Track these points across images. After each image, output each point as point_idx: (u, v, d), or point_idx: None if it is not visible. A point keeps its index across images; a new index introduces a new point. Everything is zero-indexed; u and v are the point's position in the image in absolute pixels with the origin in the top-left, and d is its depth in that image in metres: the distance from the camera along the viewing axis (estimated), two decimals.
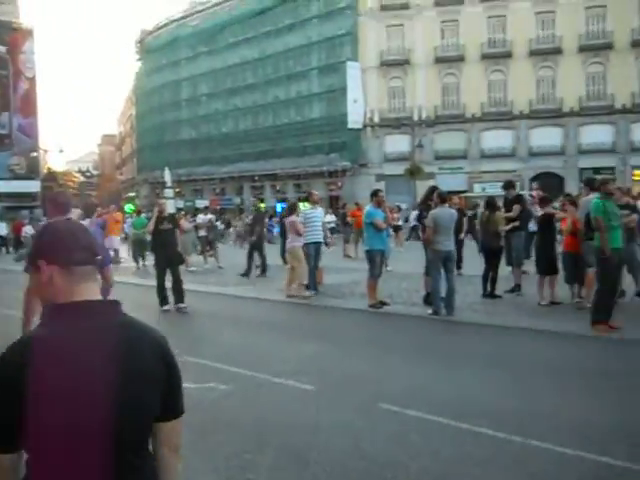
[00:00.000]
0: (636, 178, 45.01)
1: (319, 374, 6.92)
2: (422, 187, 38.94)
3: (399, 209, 30.53)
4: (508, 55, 48.52)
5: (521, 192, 14.84)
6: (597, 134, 47.02)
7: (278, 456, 4.66)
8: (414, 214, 32.97)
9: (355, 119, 49.73)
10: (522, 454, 4.61)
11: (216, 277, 17.45)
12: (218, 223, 29.99)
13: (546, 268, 11.08)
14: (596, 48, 46.85)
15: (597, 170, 45.27)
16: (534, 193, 15.89)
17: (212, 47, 60.67)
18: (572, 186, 43.74)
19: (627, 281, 11.11)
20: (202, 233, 21.20)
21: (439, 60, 49.92)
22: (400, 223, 28.48)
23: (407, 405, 5.73)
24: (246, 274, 17.06)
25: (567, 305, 10.91)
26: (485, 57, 48.97)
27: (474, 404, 5.82)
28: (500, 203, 12.63)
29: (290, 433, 5.16)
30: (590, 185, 10.13)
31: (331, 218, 30.88)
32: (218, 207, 54.96)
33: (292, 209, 13.83)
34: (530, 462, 4.45)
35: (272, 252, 21.12)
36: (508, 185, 12.82)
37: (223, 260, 20.29)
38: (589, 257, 9.97)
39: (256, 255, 17.41)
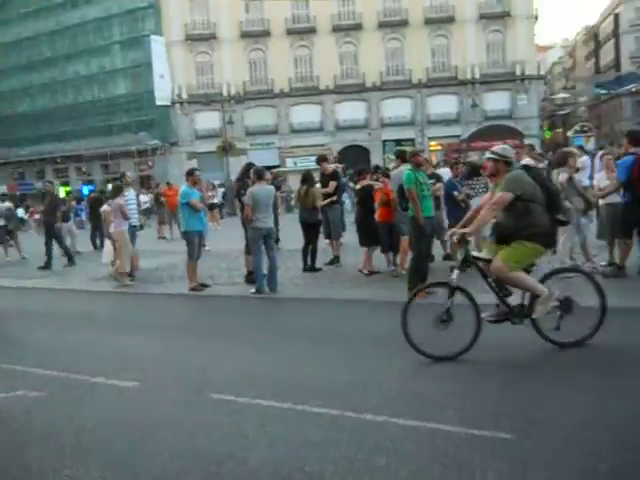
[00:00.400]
0: (432, 148, 48.11)
1: (143, 369, 6.48)
2: (235, 164, 38.90)
3: (214, 186, 30.06)
4: (312, 31, 49.43)
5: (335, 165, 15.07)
6: (397, 108, 49.57)
7: (103, 468, 4.23)
8: (221, 192, 32.82)
9: (162, 95, 48.21)
10: (358, 429, 4.59)
11: (20, 269, 16.04)
12: (18, 210, 27.65)
13: (368, 239, 11.36)
14: (393, 25, 49.12)
15: (398, 142, 47.76)
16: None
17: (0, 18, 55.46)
18: (377, 158, 45.89)
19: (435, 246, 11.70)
20: (0, 223, 19.39)
21: (245, 35, 49.68)
22: (216, 201, 28.09)
23: (240, 392, 5.51)
24: (46, 266, 15.70)
25: (384, 274, 11.28)
26: (290, 32, 49.48)
27: (306, 383, 5.75)
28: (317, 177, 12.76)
29: (115, 440, 4.72)
30: (401, 157, 10.47)
31: (146, 198, 29.78)
32: (17, 193, 50.88)
33: (117, 191, 12.90)
34: (367, 437, 4.43)
35: (83, 238, 19.87)
36: (322, 159, 12.96)
37: (26, 250, 18.73)
38: (402, 226, 10.35)
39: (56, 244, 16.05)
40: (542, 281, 6.20)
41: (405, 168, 9.52)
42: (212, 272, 12.55)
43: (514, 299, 6.26)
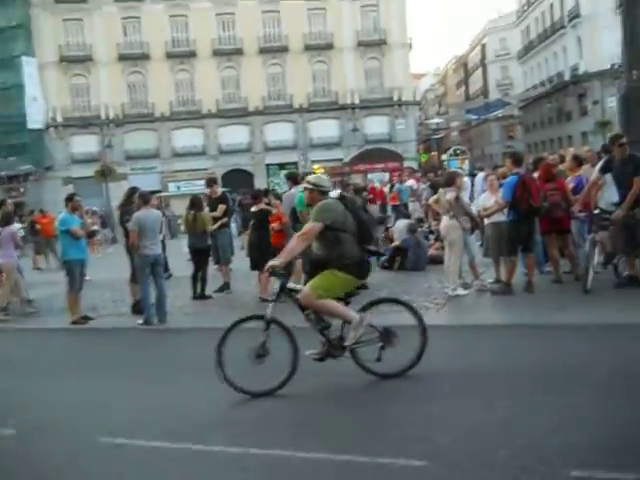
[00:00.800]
0: (316, 171, 48.65)
1: (19, 416, 5.84)
2: (115, 189, 37.55)
3: (93, 213, 28.78)
4: (193, 54, 48.90)
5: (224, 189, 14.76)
6: (280, 132, 49.87)
7: None
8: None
9: (35, 119, 45.95)
10: (266, 468, 4.31)
11: None
12: None
13: (263, 264, 11.02)
14: (274, 50, 49.54)
15: (282, 166, 48.23)
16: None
17: None
18: (261, 181, 45.89)
19: None
20: None
21: (123, 57, 48.39)
22: (96, 228, 26.86)
23: (131, 434, 5.09)
24: None
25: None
26: (170, 56, 48.73)
27: (205, 418, 5.41)
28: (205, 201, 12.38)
29: None
30: (292, 179, 10.34)
31: (18, 226, 27.99)
32: None
33: (7, 218, 11.84)
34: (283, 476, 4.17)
35: None
36: (212, 182, 12.61)
37: None
38: None
39: None
40: (362, 311, 6.05)
41: (297, 190, 9.39)
42: (95, 303, 11.82)
43: (334, 332, 6.06)
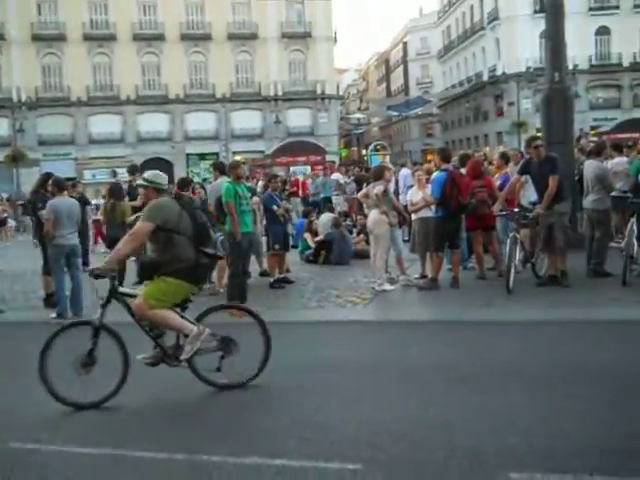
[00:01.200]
0: (239, 162, 47.96)
1: None
2: (26, 175, 35.94)
3: (3, 200, 27.44)
4: (112, 38, 47.34)
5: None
6: (201, 121, 49.02)
7: None
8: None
9: None
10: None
11: None
12: None
13: None
14: (196, 38, 48.55)
15: (203, 156, 47.53)
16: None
17: None
18: (181, 171, 44.97)
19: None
20: None
21: (37, 38, 46.28)
22: (6, 215, 25.59)
23: (46, 439, 4.72)
24: None
25: (201, 292, 10.67)
26: (88, 38, 47.05)
27: (124, 421, 5.10)
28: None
29: None
30: (219, 169, 10.03)
31: None
32: None
33: None
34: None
35: None
36: (133, 170, 12.11)
37: None
38: (223, 242, 9.90)
39: None
40: (200, 319, 5.68)
41: (224, 180, 9.10)
42: (5, 295, 11.14)
43: (169, 339, 5.69)
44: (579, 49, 41.83)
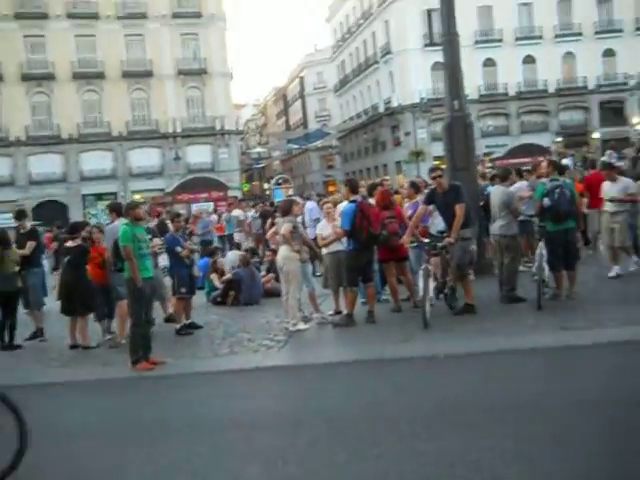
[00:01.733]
0: (137, 202, 46.63)
1: None
2: None
3: None
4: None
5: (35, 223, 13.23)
6: (98, 161, 47.46)
7: None
8: None
9: None
10: None
11: None
12: None
13: (77, 307, 9.78)
14: (89, 76, 47.16)
15: (100, 196, 45.86)
16: None
17: None
18: (76, 213, 43.19)
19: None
20: None
21: None
22: None
23: None
24: None
25: (102, 346, 9.87)
26: None
27: None
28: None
29: None
30: (116, 210, 9.34)
31: None
32: None
33: None
34: None
35: None
36: (21, 215, 11.14)
37: None
38: (119, 289, 9.19)
39: None
40: None
41: (120, 223, 8.44)
42: None
43: None
44: (468, 80, 43.45)
